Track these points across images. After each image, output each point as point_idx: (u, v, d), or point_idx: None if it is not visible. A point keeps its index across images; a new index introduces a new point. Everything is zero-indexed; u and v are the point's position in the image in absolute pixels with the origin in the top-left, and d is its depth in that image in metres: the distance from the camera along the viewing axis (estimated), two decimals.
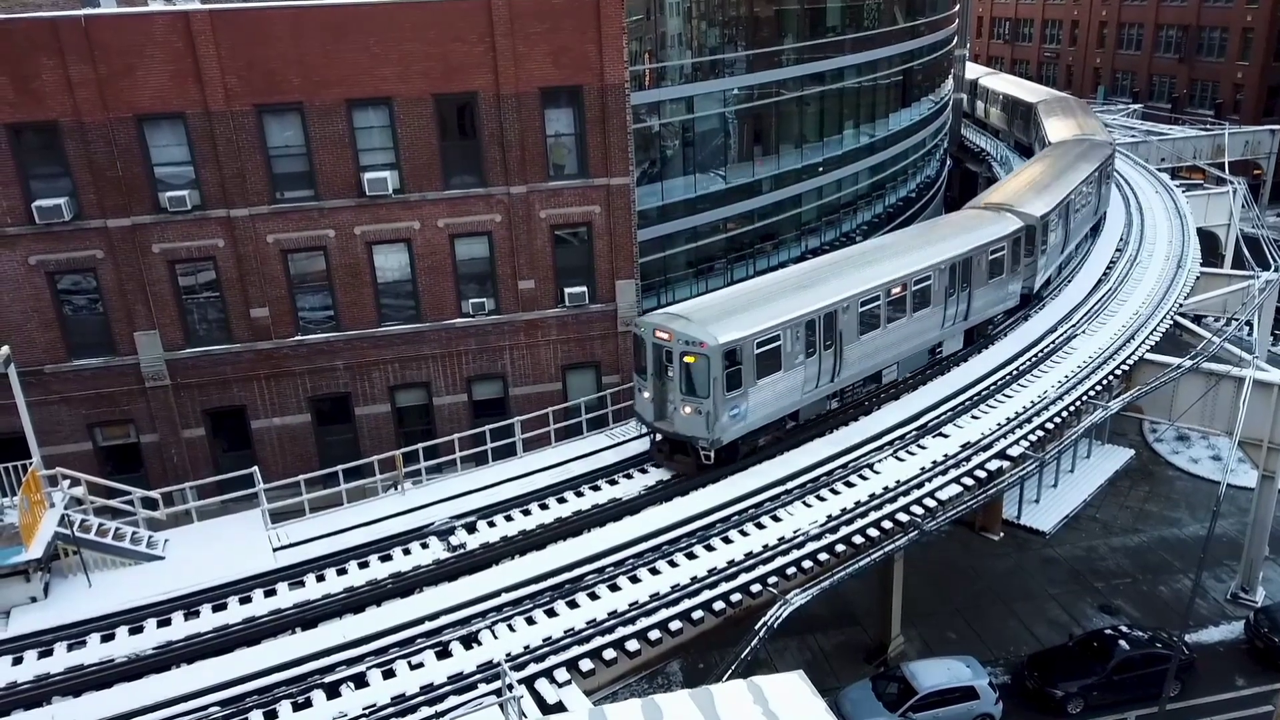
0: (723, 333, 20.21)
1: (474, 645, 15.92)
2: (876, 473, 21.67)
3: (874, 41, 40.29)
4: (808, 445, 22.78)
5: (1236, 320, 31.79)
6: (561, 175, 26.83)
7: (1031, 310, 31.69)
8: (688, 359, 20.22)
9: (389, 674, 15.25)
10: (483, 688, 14.69)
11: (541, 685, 14.98)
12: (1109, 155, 39.96)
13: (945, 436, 23.33)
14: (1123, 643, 24.69)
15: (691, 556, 18.52)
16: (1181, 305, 32.45)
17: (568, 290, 27.46)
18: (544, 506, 20.54)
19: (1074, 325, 30.38)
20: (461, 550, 18.68)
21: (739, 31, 34.88)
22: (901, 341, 25.11)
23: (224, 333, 25.54)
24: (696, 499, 20.51)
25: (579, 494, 21.02)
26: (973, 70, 72.28)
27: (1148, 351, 28.50)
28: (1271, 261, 36.50)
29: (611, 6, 25.47)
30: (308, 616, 16.68)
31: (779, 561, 18.29)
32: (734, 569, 17.99)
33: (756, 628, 16.67)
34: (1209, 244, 43.75)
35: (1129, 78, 77.89)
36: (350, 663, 15.37)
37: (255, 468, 21.47)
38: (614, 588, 17.49)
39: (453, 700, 14.43)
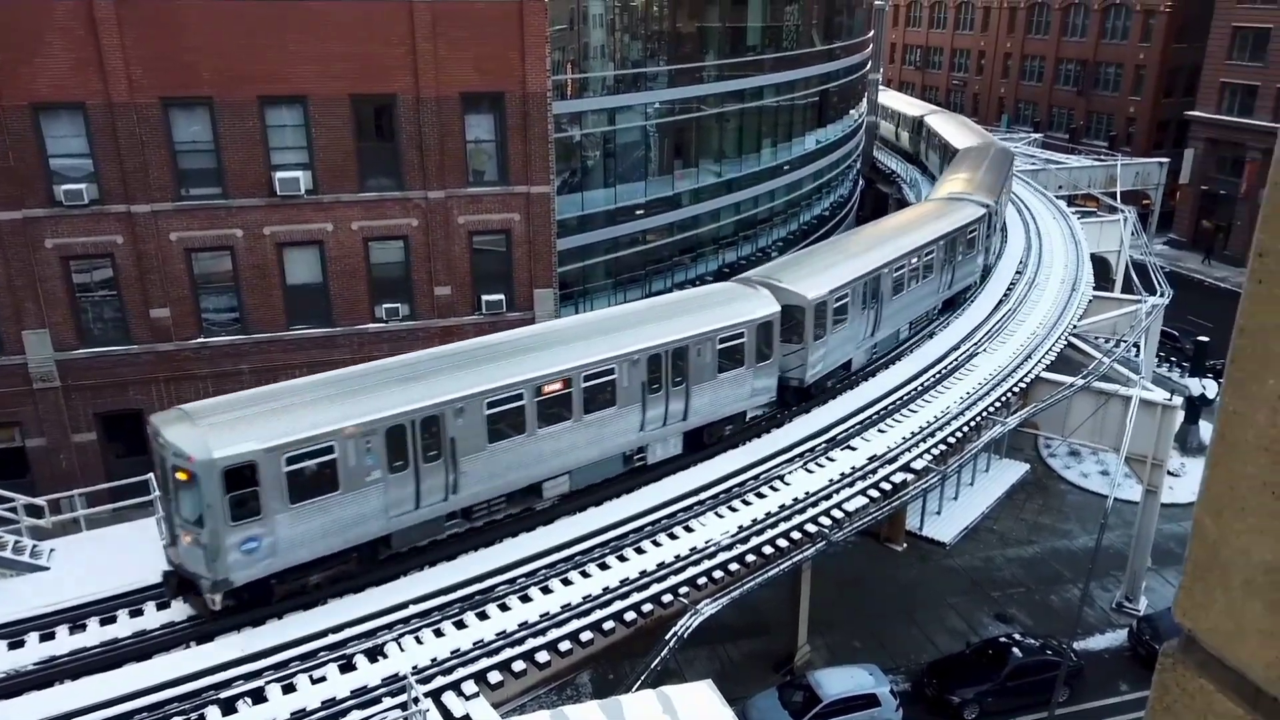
0: (224, 444, 15.30)
1: (380, 658, 15.62)
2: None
3: (792, 62, 41.24)
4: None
5: (1125, 342, 33.46)
6: (481, 181, 26.64)
7: (813, 406, 25.25)
8: (179, 474, 15.46)
9: (289, 689, 14.84)
10: (387, 701, 14.43)
11: (448, 698, 14.80)
12: (975, 220, 33.62)
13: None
14: (1016, 650, 25.70)
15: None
16: (1075, 326, 34.03)
17: (485, 297, 27.24)
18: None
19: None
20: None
21: (661, 46, 35.27)
22: (569, 450, 19.73)
23: (121, 333, 24.49)
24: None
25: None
26: (914, 106, 66.93)
27: (1042, 370, 29.74)
28: (1157, 287, 38.57)
29: (535, 15, 25.46)
30: (203, 630, 16.09)
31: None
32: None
33: (667, 638, 16.79)
34: (1101, 269, 45.98)
35: (1031, 108, 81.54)
36: (248, 677, 14.89)
37: (150, 474, 20.58)
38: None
39: (356, 715, 14.12)
